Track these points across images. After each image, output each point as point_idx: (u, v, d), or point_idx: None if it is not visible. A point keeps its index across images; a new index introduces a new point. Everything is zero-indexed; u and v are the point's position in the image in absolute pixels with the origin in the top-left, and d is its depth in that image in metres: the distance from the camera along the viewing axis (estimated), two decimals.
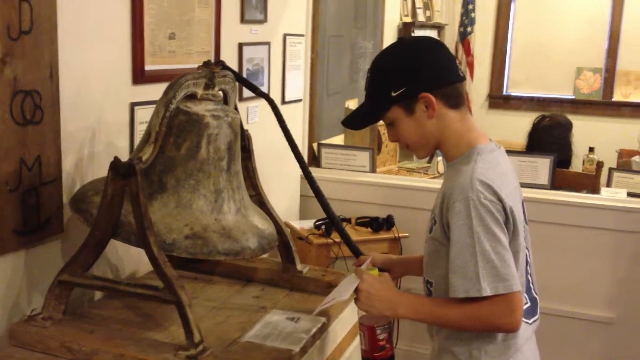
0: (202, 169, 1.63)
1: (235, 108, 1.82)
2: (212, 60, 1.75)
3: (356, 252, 1.80)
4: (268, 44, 2.86)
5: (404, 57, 1.54)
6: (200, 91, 1.67)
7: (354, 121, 1.66)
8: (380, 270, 1.69)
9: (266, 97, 1.87)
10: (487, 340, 1.48)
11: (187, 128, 1.62)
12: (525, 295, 1.53)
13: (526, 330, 1.52)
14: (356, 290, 1.53)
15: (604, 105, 6.06)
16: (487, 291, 1.38)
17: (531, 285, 1.58)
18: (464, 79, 1.56)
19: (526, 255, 1.54)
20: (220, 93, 1.75)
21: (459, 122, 1.53)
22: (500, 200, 1.42)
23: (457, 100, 1.53)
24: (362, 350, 1.61)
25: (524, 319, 1.48)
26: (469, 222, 1.40)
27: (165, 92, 1.61)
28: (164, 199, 1.59)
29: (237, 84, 1.83)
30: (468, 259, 1.39)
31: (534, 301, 1.58)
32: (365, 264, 1.66)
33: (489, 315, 1.41)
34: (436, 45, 1.56)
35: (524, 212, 1.56)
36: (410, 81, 1.50)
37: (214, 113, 1.65)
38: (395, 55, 1.56)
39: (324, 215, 3.01)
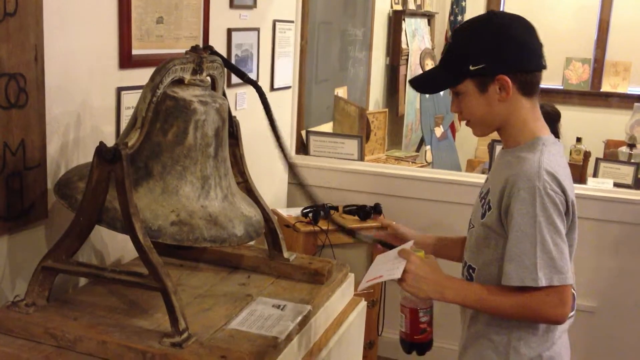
0: (189, 155, 1.61)
1: (224, 94, 1.80)
2: (201, 45, 1.73)
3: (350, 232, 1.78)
4: (257, 29, 2.84)
5: (491, 33, 1.49)
6: (187, 76, 1.65)
7: (422, 84, 1.63)
8: None
9: (254, 83, 1.85)
10: (529, 330, 1.49)
11: (174, 114, 1.60)
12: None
13: (566, 323, 1.53)
14: (403, 271, 1.47)
15: (592, 95, 6.09)
16: (543, 281, 1.38)
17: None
18: (545, 68, 1.52)
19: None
20: (208, 79, 1.74)
21: (528, 110, 1.51)
22: (563, 192, 1.41)
23: (533, 88, 1.51)
24: (401, 332, 1.57)
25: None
26: (532, 211, 1.39)
27: (152, 77, 1.59)
28: (150, 185, 1.58)
29: (225, 69, 1.81)
30: (527, 247, 1.39)
31: (574, 297, 1.57)
32: (408, 244, 1.60)
33: (540, 305, 1.41)
34: (527, 28, 1.50)
35: None
36: (492, 60, 1.46)
37: (202, 99, 1.63)
38: (482, 29, 1.51)
39: (311, 203, 3.02)
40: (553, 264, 1.38)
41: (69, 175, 1.67)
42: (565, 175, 1.45)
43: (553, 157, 1.46)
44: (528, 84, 1.49)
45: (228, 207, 1.67)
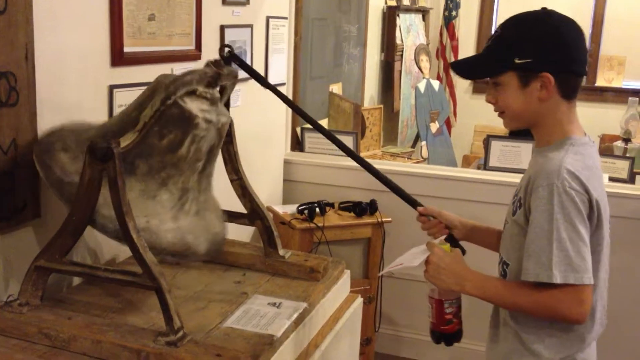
0: (177, 165, 1.60)
1: (227, 102, 1.79)
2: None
3: (413, 204, 1.78)
4: (250, 26, 2.83)
5: (544, 30, 1.48)
6: (200, 88, 1.63)
7: (464, 69, 1.62)
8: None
9: (275, 90, 1.83)
10: (561, 330, 1.49)
11: (176, 123, 1.57)
12: (604, 295, 1.54)
13: (598, 330, 1.54)
14: (426, 262, 1.53)
15: (587, 90, 6.08)
16: (557, 279, 1.37)
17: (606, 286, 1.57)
18: (586, 74, 1.54)
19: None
20: (218, 92, 1.71)
21: (564, 112, 1.51)
22: (586, 191, 1.40)
23: (573, 92, 1.51)
24: (430, 323, 1.61)
25: (599, 320, 1.51)
26: (550, 208, 1.39)
27: (167, 86, 1.55)
28: (130, 183, 1.55)
29: (237, 79, 1.78)
30: (544, 244, 1.39)
31: (604, 305, 1.57)
32: (438, 239, 1.64)
33: (557, 303, 1.41)
34: (579, 33, 1.51)
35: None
36: (540, 56, 1.46)
37: (207, 116, 1.61)
38: (536, 24, 1.50)
39: (306, 200, 3.02)
40: (569, 262, 1.38)
41: (52, 140, 1.63)
42: (590, 175, 1.43)
43: (580, 157, 1.45)
44: (569, 87, 1.50)
45: (198, 223, 1.67)
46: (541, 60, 1.46)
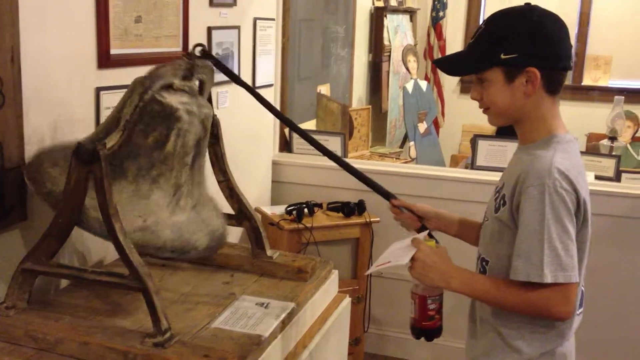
0: (165, 161, 1.60)
1: (210, 97, 1.79)
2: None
3: (387, 196, 1.78)
4: (238, 28, 2.83)
5: (528, 24, 1.48)
6: (177, 81, 1.63)
7: (449, 66, 1.62)
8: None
9: (247, 87, 1.83)
10: (541, 325, 1.50)
11: (158, 119, 1.57)
12: (582, 290, 1.56)
13: (576, 321, 1.55)
14: (412, 259, 1.52)
15: (573, 89, 6.13)
16: (548, 278, 1.39)
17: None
18: (571, 69, 1.54)
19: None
20: (196, 84, 1.72)
21: (548, 108, 1.52)
22: (575, 190, 1.42)
23: (557, 87, 1.51)
24: (410, 319, 1.61)
25: (578, 314, 1.53)
26: (541, 208, 1.40)
27: (142, 81, 1.56)
28: (122, 186, 1.56)
29: (214, 73, 1.79)
30: (535, 244, 1.40)
31: (582, 294, 1.59)
32: (422, 234, 1.64)
33: (545, 302, 1.42)
34: (563, 27, 1.51)
35: None
36: (525, 51, 1.46)
37: (188, 107, 1.61)
38: (519, 19, 1.50)
39: (295, 201, 3.02)
40: (559, 262, 1.39)
41: (41, 159, 1.64)
42: (578, 174, 1.45)
43: (567, 155, 1.46)
44: (554, 81, 1.50)
45: (195, 218, 1.66)
46: (526, 55, 1.47)
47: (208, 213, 1.72)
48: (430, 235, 1.67)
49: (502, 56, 1.47)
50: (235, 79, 1.84)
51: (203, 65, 1.71)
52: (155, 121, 1.57)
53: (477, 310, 1.62)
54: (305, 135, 1.86)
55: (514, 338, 1.52)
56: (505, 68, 1.48)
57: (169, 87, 1.62)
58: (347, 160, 1.82)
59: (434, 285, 1.54)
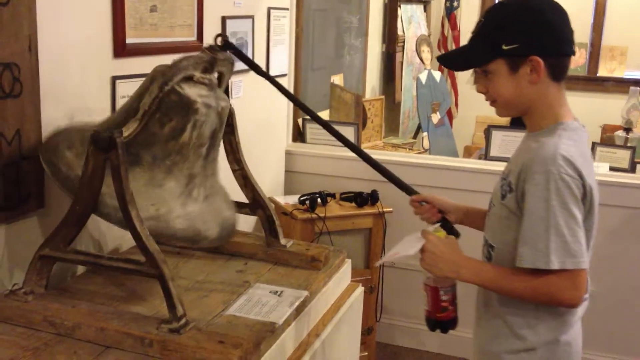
0: (180, 151, 1.61)
1: (227, 89, 1.79)
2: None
3: (409, 191, 1.78)
4: (252, 17, 2.83)
5: (529, 13, 1.47)
6: (197, 74, 1.64)
7: (452, 61, 1.63)
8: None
9: (267, 76, 1.83)
10: (546, 312, 1.50)
11: (176, 109, 1.58)
12: (588, 278, 1.54)
13: (582, 308, 1.55)
14: (421, 251, 1.53)
15: (588, 80, 6.08)
16: (555, 265, 1.39)
17: None
18: (574, 54, 1.53)
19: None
20: (215, 77, 1.72)
21: (554, 95, 1.51)
22: (580, 176, 1.41)
23: (562, 73, 1.51)
24: (425, 311, 1.62)
25: (584, 302, 1.52)
26: (546, 195, 1.40)
27: (163, 72, 1.57)
28: (137, 174, 1.57)
29: (234, 65, 1.79)
30: (540, 231, 1.40)
31: (587, 281, 1.57)
32: (433, 226, 1.65)
33: (553, 289, 1.42)
34: (563, 13, 1.50)
35: None
36: (527, 40, 1.46)
37: (206, 100, 1.62)
38: (519, 9, 1.49)
39: (308, 191, 3.03)
40: (566, 248, 1.39)
41: (57, 140, 1.65)
42: (583, 161, 1.44)
43: (572, 143, 1.45)
44: (558, 68, 1.50)
45: (207, 209, 1.68)
46: (529, 44, 1.46)
47: (219, 204, 1.74)
48: (450, 228, 1.68)
49: (504, 47, 1.47)
50: (256, 68, 1.85)
51: (224, 57, 1.72)
52: (173, 111, 1.58)
53: (483, 297, 1.62)
54: (327, 126, 1.86)
55: (520, 327, 1.52)
56: (508, 59, 1.48)
57: (189, 79, 1.63)
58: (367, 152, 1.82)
59: (443, 276, 1.54)
